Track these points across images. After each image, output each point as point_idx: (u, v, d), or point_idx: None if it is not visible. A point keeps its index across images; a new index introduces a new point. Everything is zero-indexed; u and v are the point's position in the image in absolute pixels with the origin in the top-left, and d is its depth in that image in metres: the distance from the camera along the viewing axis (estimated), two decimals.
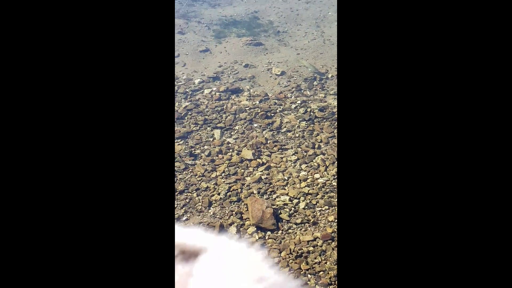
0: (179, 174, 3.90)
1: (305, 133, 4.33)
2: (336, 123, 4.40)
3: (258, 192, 3.68)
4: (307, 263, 3.07)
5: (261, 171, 3.91)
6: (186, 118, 4.63)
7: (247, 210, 3.50)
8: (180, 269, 0.69)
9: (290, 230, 3.33)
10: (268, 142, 4.25)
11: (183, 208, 3.56)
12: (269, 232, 3.31)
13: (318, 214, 3.47)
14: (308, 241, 3.23)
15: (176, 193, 3.70)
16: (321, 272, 2.99)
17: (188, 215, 3.50)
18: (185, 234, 0.76)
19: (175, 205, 3.60)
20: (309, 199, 3.60)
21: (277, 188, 3.72)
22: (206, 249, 0.71)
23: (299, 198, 3.61)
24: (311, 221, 3.40)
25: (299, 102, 4.77)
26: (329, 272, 2.96)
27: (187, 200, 3.63)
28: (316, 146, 4.15)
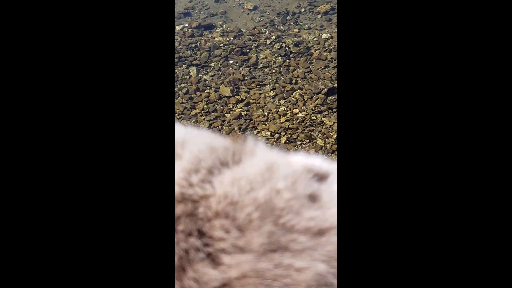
0: None
1: (281, 68, 4.34)
2: (312, 58, 4.43)
3: (239, 129, 3.74)
4: None
5: (241, 108, 3.94)
6: None
7: None
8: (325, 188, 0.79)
9: None
10: (246, 78, 4.26)
11: None
12: None
13: (300, 148, 3.56)
14: None
15: None
16: None
17: None
18: (307, 160, 0.85)
19: None
20: (290, 133, 3.68)
21: (258, 124, 3.78)
22: (331, 171, 0.83)
23: (280, 133, 3.68)
24: None
25: (273, 37, 4.75)
26: None
27: None
28: (293, 81, 4.19)
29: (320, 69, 4.29)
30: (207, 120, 3.81)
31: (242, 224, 0.74)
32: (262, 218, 0.74)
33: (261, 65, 4.41)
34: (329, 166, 0.92)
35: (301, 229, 0.74)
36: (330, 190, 0.82)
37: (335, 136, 3.61)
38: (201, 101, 4.03)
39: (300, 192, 0.78)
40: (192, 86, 4.18)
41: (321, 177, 0.85)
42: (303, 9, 5.18)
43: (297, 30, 4.86)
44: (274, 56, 4.48)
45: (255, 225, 0.74)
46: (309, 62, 4.39)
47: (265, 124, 3.77)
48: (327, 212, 0.77)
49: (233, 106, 3.97)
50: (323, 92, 4.00)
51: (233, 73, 4.32)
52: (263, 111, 3.91)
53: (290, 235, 0.74)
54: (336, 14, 5.05)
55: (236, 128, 3.74)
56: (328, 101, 3.93)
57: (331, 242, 0.74)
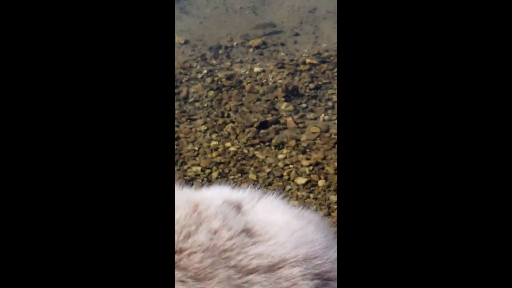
0: None
1: (213, 102, 4.26)
2: (244, 91, 4.38)
3: None
4: None
5: None
6: None
7: None
8: (242, 217, 0.79)
9: None
10: (176, 113, 4.14)
11: None
12: None
13: (232, 182, 3.46)
14: None
15: None
16: None
17: None
18: (221, 192, 0.92)
19: None
20: (222, 168, 3.57)
21: (188, 159, 3.65)
22: (241, 199, 0.87)
23: (211, 168, 3.57)
24: None
25: (205, 71, 4.68)
26: None
27: None
28: (226, 115, 4.11)
29: (252, 102, 4.24)
30: None
31: (196, 273, 0.71)
32: (214, 264, 0.72)
33: (192, 99, 4.31)
34: (238, 194, 0.92)
35: (254, 268, 0.73)
36: (257, 221, 0.81)
37: (268, 170, 3.53)
38: None
39: (236, 228, 0.77)
40: None
41: (237, 207, 0.85)
42: (235, 43, 5.16)
43: (229, 63, 4.82)
44: (205, 90, 4.40)
45: (210, 273, 0.71)
46: (241, 95, 4.33)
47: (196, 159, 3.64)
48: (269, 245, 0.76)
49: None
50: (255, 125, 3.94)
51: None
52: (193, 145, 3.78)
53: (246, 276, 0.72)
54: (268, 49, 5.08)
55: None
56: (261, 135, 3.87)
57: (285, 277, 0.73)
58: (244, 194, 0.91)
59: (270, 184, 3.43)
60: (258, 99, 4.27)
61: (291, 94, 4.31)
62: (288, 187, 3.39)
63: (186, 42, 5.24)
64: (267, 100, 4.25)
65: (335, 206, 3.24)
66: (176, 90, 4.42)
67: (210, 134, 3.91)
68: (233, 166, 3.58)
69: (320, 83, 4.44)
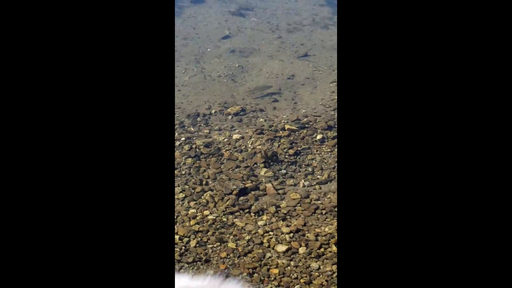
0: None
1: (191, 170, 4.23)
2: (222, 159, 4.36)
3: None
4: None
5: None
6: None
7: None
8: None
9: (182, 270, 3.18)
10: None
11: None
12: None
13: (210, 251, 3.36)
14: None
15: None
16: None
17: None
18: (179, 282, 0.93)
19: None
20: (200, 236, 3.48)
21: None
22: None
23: (189, 237, 3.48)
24: (203, 259, 3.29)
25: (183, 139, 4.68)
26: None
27: None
28: (204, 182, 4.06)
29: (231, 169, 4.22)
30: None
31: None
32: None
33: None
34: (197, 283, 0.97)
35: None
36: None
37: (247, 237, 3.45)
38: None
39: None
40: None
41: None
42: (213, 111, 5.20)
43: (208, 131, 4.83)
44: (183, 158, 4.38)
45: None
46: (220, 162, 4.31)
47: (174, 228, 3.55)
48: None
49: None
50: (234, 192, 3.90)
51: None
52: None
53: None
54: (246, 115, 5.12)
55: None
56: (240, 201, 3.82)
57: None
58: (203, 283, 0.90)
59: (250, 251, 3.34)
60: (237, 166, 4.25)
61: (271, 160, 4.30)
62: (268, 254, 3.31)
63: None
64: (246, 167, 4.23)
65: (317, 274, 3.15)
66: None
67: (188, 202, 3.84)
68: (212, 235, 3.49)
69: (299, 149, 4.45)
